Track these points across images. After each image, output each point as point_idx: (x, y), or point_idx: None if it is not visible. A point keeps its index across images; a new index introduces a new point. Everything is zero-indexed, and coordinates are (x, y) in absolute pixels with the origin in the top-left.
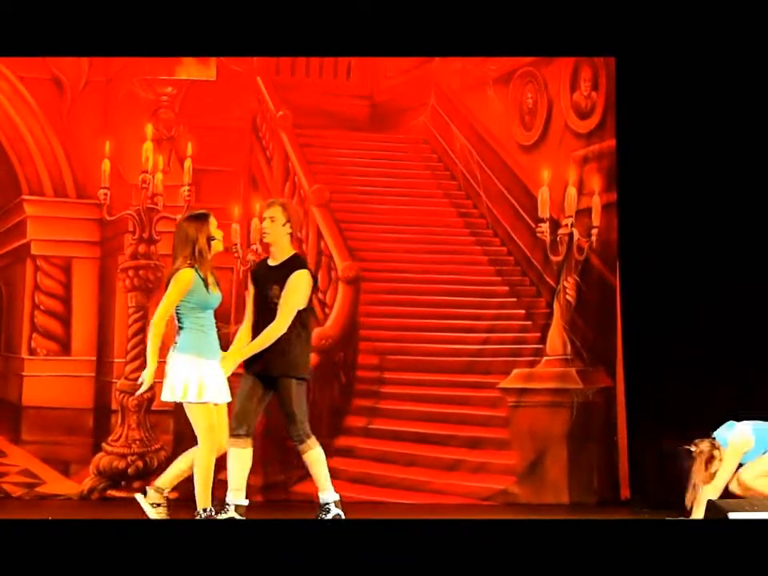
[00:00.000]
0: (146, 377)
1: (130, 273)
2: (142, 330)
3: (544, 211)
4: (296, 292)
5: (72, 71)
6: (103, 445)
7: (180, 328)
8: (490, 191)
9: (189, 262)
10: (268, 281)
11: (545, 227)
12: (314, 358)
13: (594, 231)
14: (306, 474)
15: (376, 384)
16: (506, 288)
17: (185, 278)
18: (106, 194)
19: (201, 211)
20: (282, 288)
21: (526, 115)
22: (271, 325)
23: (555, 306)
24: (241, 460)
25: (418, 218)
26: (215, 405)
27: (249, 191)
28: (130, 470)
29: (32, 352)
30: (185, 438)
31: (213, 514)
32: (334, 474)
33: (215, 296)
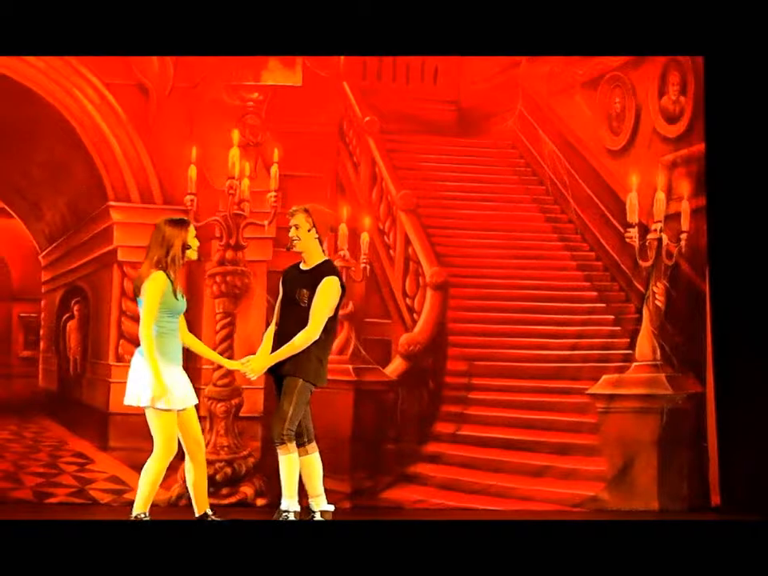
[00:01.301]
0: (156, 391)
1: (218, 279)
2: (230, 336)
3: (632, 216)
4: (326, 299)
5: (157, 77)
6: None
7: None
8: (578, 196)
9: (160, 265)
10: (297, 284)
11: (633, 232)
12: (402, 364)
13: (683, 236)
14: (394, 481)
15: (464, 390)
16: (595, 293)
17: (160, 280)
18: (192, 200)
19: (181, 217)
20: (310, 292)
21: (614, 120)
22: (302, 331)
23: (644, 311)
24: (302, 466)
25: (506, 223)
26: (179, 411)
27: (336, 197)
28: (218, 477)
29: (119, 358)
30: (273, 445)
31: (146, 518)
32: (423, 480)
33: (183, 302)
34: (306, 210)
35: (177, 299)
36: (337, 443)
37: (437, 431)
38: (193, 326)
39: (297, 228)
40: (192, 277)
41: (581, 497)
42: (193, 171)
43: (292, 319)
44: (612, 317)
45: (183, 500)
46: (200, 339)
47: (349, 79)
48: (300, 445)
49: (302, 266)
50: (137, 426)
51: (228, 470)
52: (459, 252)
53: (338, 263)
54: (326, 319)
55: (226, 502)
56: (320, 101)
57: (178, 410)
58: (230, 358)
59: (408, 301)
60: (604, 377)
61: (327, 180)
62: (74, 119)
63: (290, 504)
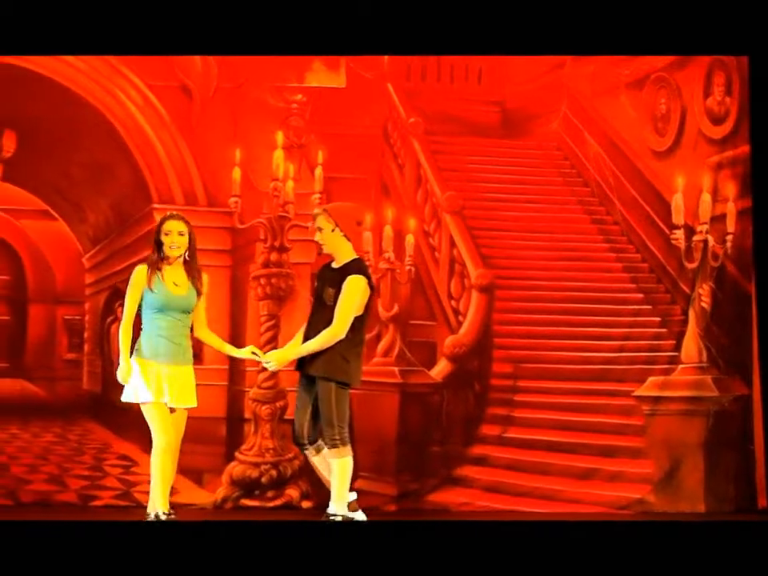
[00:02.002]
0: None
1: (262, 281)
2: (275, 339)
3: (678, 218)
4: (351, 298)
5: (201, 78)
6: (236, 454)
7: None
8: (623, 198)
9: (147, 261)
10: (325, 282)
11: (679, 234)
12: (447, 366)
13: (729, 238)
14: (440, 483)
15: (510, 392)
16: (641, 295)
17: (134, 275)
18: (236, 202)
19: (169, 212)
20: (336, 290)
21: (659, 121)
22: (327, 329)
23: (690, 313)
24: (334, 469)
25: (551, 225)
26: (173, 409)
27: (380, 199)
28: (263, 479)
29: None
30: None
31: (173, 515)
32: (468, 483)
33: (170, 297)
34: (326, 211)
35: (154, 292)
36: (382, 445)
37: (482, 433)
38: (238, 328)
39: (320, 231)
40: (236, 279)
41: (627, 499)
42: (237, 173)
43: (319, 317)
44: (658, 319)
45: (229, 502)
46: (244, 341)
47: (393, 80)
48: (302, 446)
49: (333, 265)
50: (188, 429)
51: (273, 473)
52: (504, 254)
53: (382, 265)
54: (351, 318)
55: (271, 504)
56: (364, 102)
57: (172, 409)
58: None
59: (453, 303)
60: (650, 379)
61: (372, 182)
62: (116, 121)
63: (338, 508)
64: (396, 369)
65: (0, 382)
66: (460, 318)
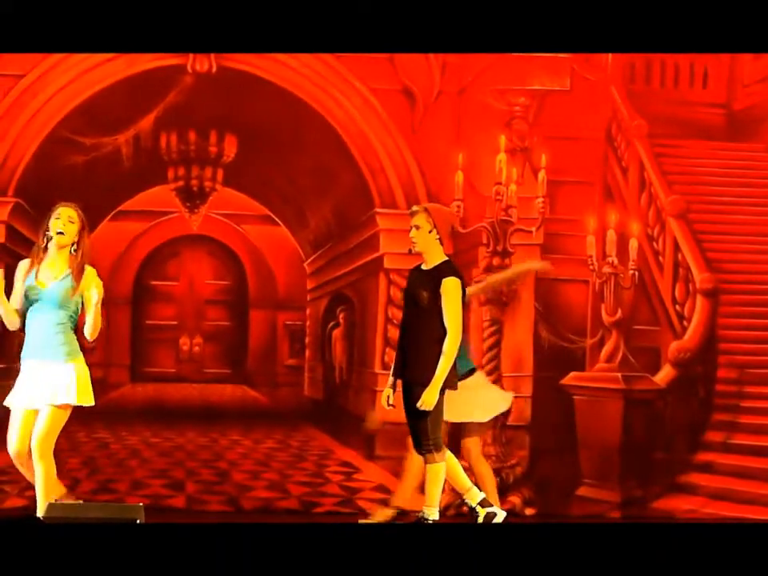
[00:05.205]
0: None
1: None
2: (498, 344)
3: None
4: (456, 302)
5: (424, 82)
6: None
7: None
8: None
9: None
10: (417, 284)
11: None
12: (671, 371)
13: None
14: (664, 490)
15: (735, 398)
16: None
17: (18, 268)
18: (459, 206)
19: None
20: (428, 292)
21: None
22: (446, 342)
23: None
24: (426, 474)
25: None
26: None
27: (604, 203)
28: None
29: (385, 367)
30: (541, 454)
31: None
32: (693, 490)
33: (36, 290)
34: (426, 210)
35: (25, 285)
36: (605, 452)
37: (707, 440)
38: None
39: (418, 229)
40: None
41: None
42: (459, 177)
43: (413, 320)
44: None
45: (451, 509)
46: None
47: (617, 83)
48: (419, 452)
49: (423, 267)
50: (405, 435)
51: (495, 480)
52: (730, 258)
53: (606, 270)
54: (461, 319)
55: None
56: (588, 105)
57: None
58: (497, 367)
59: (677, 307)
60: None
61: (595, 186)
62: (337, 124)
63: (430, 512)
64: (619, 374)
65: (222, 388)
66: (684, 322)
